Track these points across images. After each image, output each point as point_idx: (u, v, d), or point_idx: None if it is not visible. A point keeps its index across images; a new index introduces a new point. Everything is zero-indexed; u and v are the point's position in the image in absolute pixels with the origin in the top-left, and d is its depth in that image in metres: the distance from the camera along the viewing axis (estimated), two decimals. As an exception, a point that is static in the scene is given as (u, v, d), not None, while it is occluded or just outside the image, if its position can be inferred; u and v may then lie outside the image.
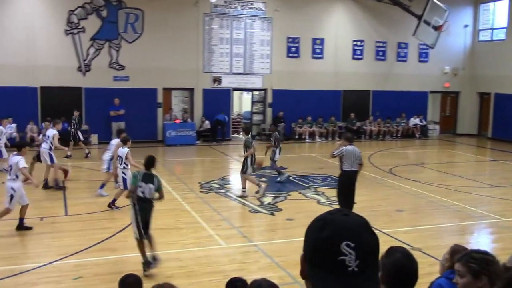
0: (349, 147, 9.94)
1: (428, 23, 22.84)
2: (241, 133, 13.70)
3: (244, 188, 12.52)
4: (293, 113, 23.47)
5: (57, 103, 20.05)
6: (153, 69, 21.42)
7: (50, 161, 13.02)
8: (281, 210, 11.28)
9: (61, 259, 7.97)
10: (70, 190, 12.82)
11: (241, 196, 12.38)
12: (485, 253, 3.19)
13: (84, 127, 20.82)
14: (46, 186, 12.91)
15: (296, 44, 23.84)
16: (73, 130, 18.20)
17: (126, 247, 8.70)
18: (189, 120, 22.39)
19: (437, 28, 22.99)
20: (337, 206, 11.45)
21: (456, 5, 24.63)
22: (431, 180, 15.01)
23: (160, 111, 22.20)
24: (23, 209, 9.47)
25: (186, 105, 24.13)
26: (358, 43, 24.87)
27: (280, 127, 21.65)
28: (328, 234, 1.40)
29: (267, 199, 12.17)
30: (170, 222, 10.20)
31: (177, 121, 21.97)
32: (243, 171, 12.49)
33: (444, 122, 27.38)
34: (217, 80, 22.91)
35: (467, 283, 3.05)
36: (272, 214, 10.99)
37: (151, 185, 7.59)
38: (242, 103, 27.92)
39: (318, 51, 24.26)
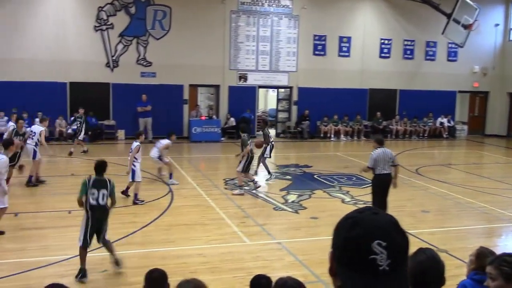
0: (379, 150, 9.69)
1: (457, 22, 22.46)
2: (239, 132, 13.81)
3: (253, 181, 12.76)
4: (318, 111, 23.38)
5: (86, 99, 20.36)
6: (180, 65, 21.59)
7: (33, 157, 12.74)
8: (305, 208, 11.26)
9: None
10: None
11: (256, 188, 12.63)
12: None
13: (111, 122, 21.14)
14: (29, 183, 12.70)
15: (323, 42, 23.72)
16: (78, 127, 18.08)
17: (151, 241, 8.82)
18: (214, 117, 22.51)
19: (467, 26, 22.59)
20: (362, 205, 11.38)
21: (486, 3, 24.18)
22: (458, 181, 14.79)
23: (186, 107, 22.36)
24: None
25: (211, 102, 24.25)
26: (386, 42, 24.62)
27: (301, 123, 21.55)
28: (359, 233, 1.39)
29: (292, 197, 12.17)
30: (195, 218, 10.29)
31: (203, 118, 22.11)
32: (243, 169, 12.54)
33: (472, 122, 26.92)
34: (243, 77, 22.96)
35: (499, 286, 3.03)
36: (296, 212, 10.98)
37: (104, 191, 7.23)
38: (267, 101, 27.93)
39: (344, 49, 24.11)
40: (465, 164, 18.73)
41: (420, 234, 9.38)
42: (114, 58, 21.11)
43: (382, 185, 9.72)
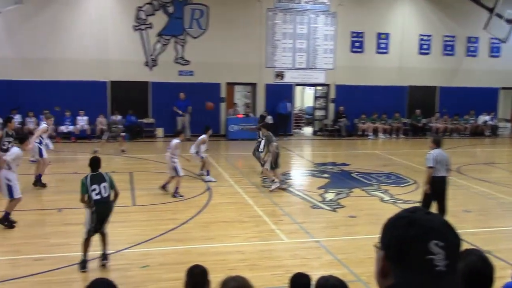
0: (436, 151, 9.07)
1: (500, 16, 21.88)
2: (261, 129, 13.90)
3: (277, 181, 12.62)
4: (356, 109, 23.15)
5: (125, 97, 20.81)
6: (217, 64, 21.74)
7: (39, 155, 12.51)
8: (343, 207, 11.17)
9: (129, 247, 8.27)
10: (137, 181, 13.24)
11: (283, 188, 12.56)
12: None
13: (150, 120, 21.48)
14: (38, 182, 12.37)
15: (360, 39, 23.47)
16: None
17: (190, 238, 8.92)
18: (251, 114, 22.57)
19: (510, 21, 21.94)
20: (401, 205, 11.22)
21: (532, -3, 23.42)
22: (502, 180, 14.40)
23: (223, 105, 22.51)
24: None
25: (248, 100, 24.33)
26: (425, 38, 24.17)
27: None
28: (416, 233, 1.39)
29: (329, 196, 12.10)
30: (233, 215, 10.35)
31: (240, 116, 22.21)
32: (272, 166, 12.59)
33: (516, 120, 26.15)
34: (280, 75, 22.94)
35: None
36: (334, 210, 10.91)
37: (104, 184, 7.49)
38: (304, 98, 27.83)
39: (383, 45, 23.79)
40: (508, 163, 18.22)
41: (463, 235, 9.15)
42: (152, 57, 21.44)
43: (438, 189, 9.06)
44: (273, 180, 12.63)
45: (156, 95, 21.47)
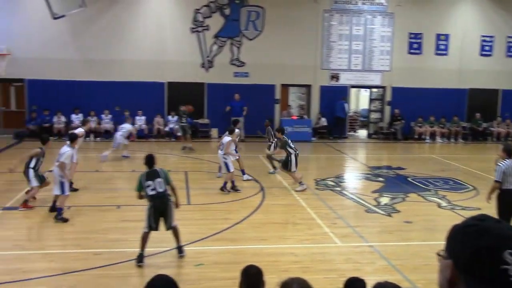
0: (508, 162, 8.40)
1: None
2: (276, 133, 13.90)
3: (300, 182, 12.74)
4: (413, 111, 22.64)
5: (182, 98, 21.19)
6: (272, 65, 21.81)
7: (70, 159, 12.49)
8: (398, 211, 10.96)
9: (184, 245, 8.43)
10: (192, 180, 13.47)
11: (301, 190, 12.52)
12: None
13: (205, 121, 21.82)
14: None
15: (419, 40, 22.95)
16: (185, 123, 18.89)
17: (244, 238, 9.01)
18: (305, 116, 22.51)
19: None
20: (460, 211, 10.89)
21: None
22: None
23: (277, 107, 22.55)
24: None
25: (303, 102, 24.26)
26: (487, 39, 23.34)
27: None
28: (489, 242, 1.36)
29: (384, 200, 11.90)
30: (287, 217, 10.37)
31: (294, 117, 22.19)
32: (288, 168, 12.79)
33: None
34: (335, 77, 22.76)
35: None
36: (389, 215, 10.72)
37: (159, 179, 7.77)
38: (359, 101, 27.48)
39: (442, 47, 23.16)
40: None
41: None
42: (209, 58, 21.76)
43: (507, 203, 8.32)
44: (301, 182, 12.78)
45: (212, 96, 21.77)
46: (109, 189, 12.58)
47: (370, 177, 14.76)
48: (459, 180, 14.39)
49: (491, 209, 10.60)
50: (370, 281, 4.00)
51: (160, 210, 7.79)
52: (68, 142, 10.50)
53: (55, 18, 16.99)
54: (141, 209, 10.70)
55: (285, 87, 23.04)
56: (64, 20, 18.57)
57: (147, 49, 21.06)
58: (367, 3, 22.61)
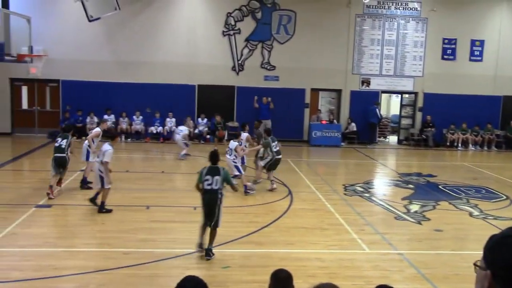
0: None
1: None
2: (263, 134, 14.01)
3: (255, 181, 13.12)
4: (445, 118, 22.29)
5: (212, 101, 21.39)
6: (302, 69, 21.78)
7: (86, 158, 12.52)
8: (428, 219, 10.78)
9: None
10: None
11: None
12: None
13: (235, 124, 21.88)
14: (84, 184, 12.47)
15: (453, 46, 22.59)
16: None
17: (271, 242, 8.99)
18: (335, 121, 22.38)
19: None
20: (492, 221, 10.65)
21: None
22: None
23: (307, 111, 22.49)
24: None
25: (332, 106, 24.14)
26: (525, 45, 22.81)
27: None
28: None
29: (414, 207, 11.73)
30: (314, 222, 10.31)
31: (323, 122, 22.09)
32: (262, 161, 13.06)
33: None
34: (366, 82, 22.58)
35: None
36: (419, 223, 10.56)
37: (217, 177, 8.03)
38: (390, 106, 27.18)
39: (476, 53, 22.75)
40: None
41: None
42: (239, 62, 21.86)
43: None
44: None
45: (241, 99, 21.85)
46: (138, 190, 12.72)
47: (400, 183, 14.57)
48: (491, 189, 14.08)
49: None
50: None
51: (209, 206, 8.06)
52: (109, 141, 10.82)
53: (90, 21, 17.31)
54: (169, 210, 10.87)
55: (315, 91, 22.96)
56: (98, 22, 18.91)
57: (178, 51, 21.30)
58: (400, 8, 22.38)
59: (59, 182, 11.84)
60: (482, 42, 22.67)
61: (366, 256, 8.58)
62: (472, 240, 9.70)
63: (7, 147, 19.46)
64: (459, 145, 22.27)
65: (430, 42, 22.50)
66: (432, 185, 14.43)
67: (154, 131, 21.21)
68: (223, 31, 21.68)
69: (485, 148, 22.34)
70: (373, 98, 22.51)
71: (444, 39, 22.53)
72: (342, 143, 21.98)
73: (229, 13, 21.63)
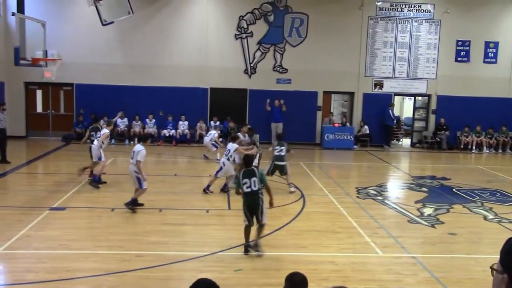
0: None
1: None
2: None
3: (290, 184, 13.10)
4: (459, 121, 22.12)
5: (224, 103, 21.43)
6: (315, 72, 21.75)
7: (98, 158, 13.01)
8: (442, 223, 10.69)
9: (223, 250, 8.47)
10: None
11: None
12: None
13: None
14: (97, 181, 13.00)
15: (466, 48, 22.41)
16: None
17: (283, 245, 8.97)
18: (347, 124, 22.30)
19: None
20: (507, 224, 10.54)
21: None
22: None
23: (319, 114, 22.44)
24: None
25: (345, 109, 24.06)
26: (540, 47, 22.57)
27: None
28: None
29: (428, 210, 11.64)
30: (327, 225, 10.27)
31: (336, 125, 22.02)
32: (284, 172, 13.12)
33: None
34: (379, 84, 22.48)
35: None
36: (432, 226, 10.47)
37: (254, 178, 8.36)
38: (403, 109, 27.03)
39: (491, 55, 22.55)
40: None
41: None
42: (252, 65, 21.89)
43: None
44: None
45: (254, 102, 21.87)
46: (151, 192, 12.74)
47: (413, 186, 14.47)
48: (506, 192, 13.93)
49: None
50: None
51: (251, 207, 8.32)
52: (141, 142, 11.28)
53: (104, 25, 17.43)
54: (182, 213, 10.90)
55: (327, 94, 22.91)
56: (111, 26, 19.03)
57: (191, 55, 21.39)
58: (413, 10, 22.26)
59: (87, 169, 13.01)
60: (496, 44, 22.47)
61: (379, 259, 8.53)
62: (487, 243, 9.59)
63: (22, 150, 19.65)
64: (473, 147, 22.07)
65: (443, 44, 22.36)
66: (446, 188, 14.31)
67: (167, 134, 21.29)
68: (236, 34, 21.72)
69: (500, 150, 22.12)
70: (386, 100, 22.42)
71: (457, 41, 22.38)
72: (355, 146, 21.90)
73: (241, 16, 21.67)
